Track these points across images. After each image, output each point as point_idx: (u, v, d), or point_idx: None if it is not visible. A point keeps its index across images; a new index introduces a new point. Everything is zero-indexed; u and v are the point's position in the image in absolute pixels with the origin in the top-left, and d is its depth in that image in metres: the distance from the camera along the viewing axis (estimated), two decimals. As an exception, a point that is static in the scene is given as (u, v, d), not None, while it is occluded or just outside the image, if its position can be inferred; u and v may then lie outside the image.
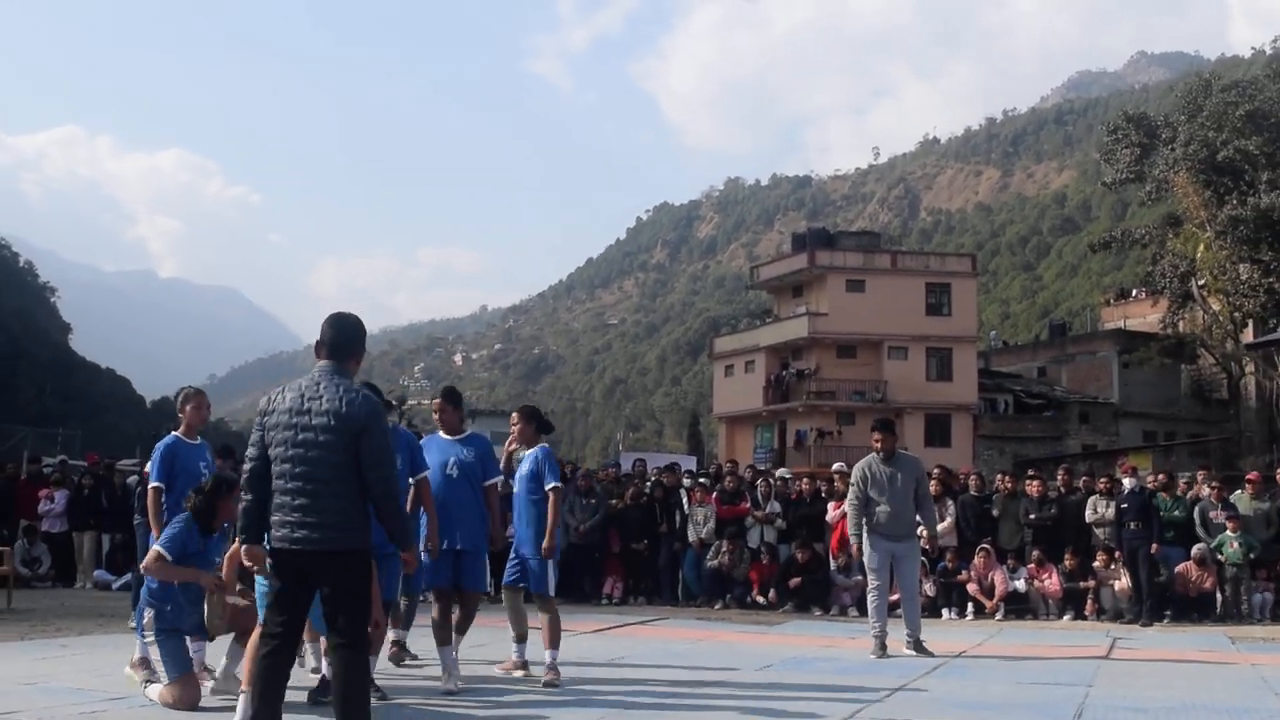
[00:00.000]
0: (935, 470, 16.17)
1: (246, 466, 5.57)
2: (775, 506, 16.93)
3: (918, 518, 11.12)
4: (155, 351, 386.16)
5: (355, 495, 5.38)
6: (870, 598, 11.07)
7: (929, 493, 11.61)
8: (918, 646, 11.00)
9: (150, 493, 8.62)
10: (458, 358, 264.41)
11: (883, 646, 10.81)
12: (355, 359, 5.87)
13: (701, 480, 18.18)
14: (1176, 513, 15.41)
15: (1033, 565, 15.43)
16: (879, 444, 11.11)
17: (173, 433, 8.87)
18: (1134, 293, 74.59)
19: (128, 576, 15.82)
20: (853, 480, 11.17)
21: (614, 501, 17.29)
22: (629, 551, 17.25)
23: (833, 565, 16.05)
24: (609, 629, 13.11)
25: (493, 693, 8.11)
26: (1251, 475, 17.02)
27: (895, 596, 11.46)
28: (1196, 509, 15.48)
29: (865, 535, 10.92)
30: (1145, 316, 66.86)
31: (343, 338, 5.86)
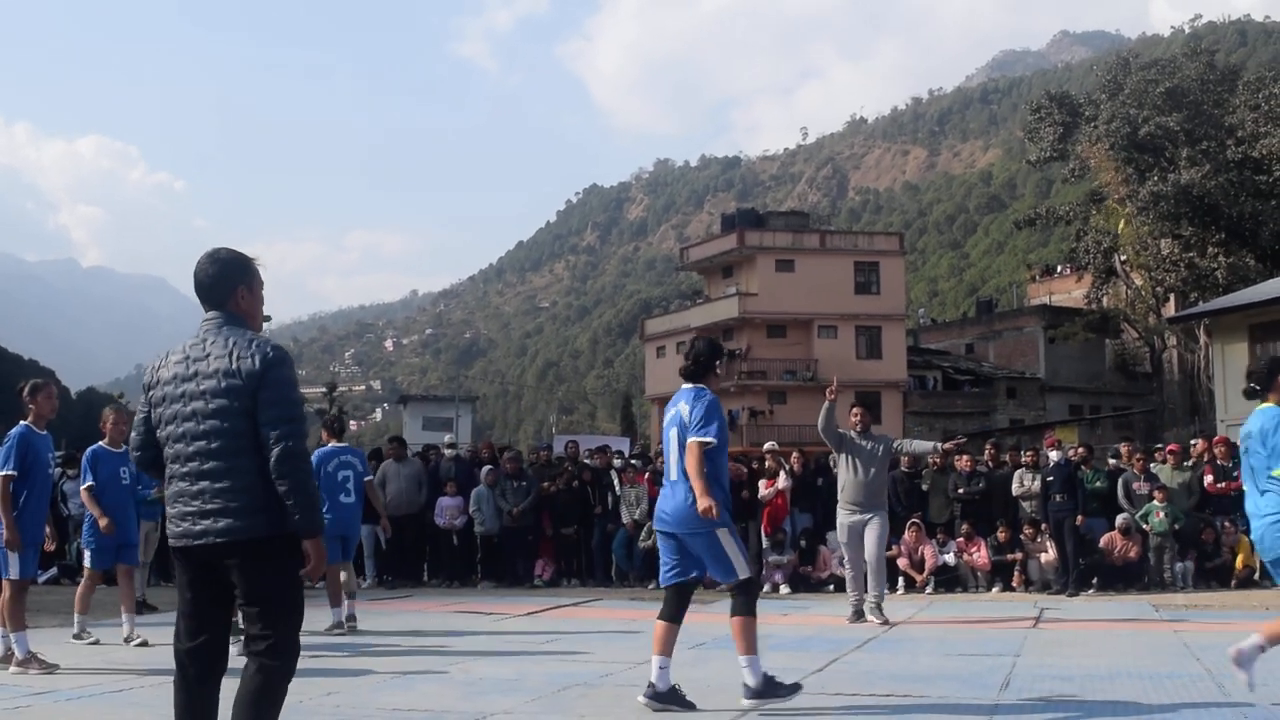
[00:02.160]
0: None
1: (133, 457, 4.79)
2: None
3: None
4: (81, 342, 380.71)
5: (266, 470, 4.37)
6: (847, 570, 11.88)
7: (894, 465, 12.74)
8: (877, 611, 11.42)
9: (0, 480, 8.51)
10: (388, 343, 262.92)
11: (859, 614, 11.35)
12: (240, 295, 4.62)
13: (633, 461, 18.18)
14: (1099, 484, 15.68)
15: (962, 539, 15.60)
16: (859, 419, 11.87)
17: (22, 423, 8.79)
18: (1059, 269, 75.71)
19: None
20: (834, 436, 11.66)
21: (546, 484, 17.25)
22: (561, 534, 17.25)
23: (764, 543, 16.12)
24: (542, 611, 13.10)
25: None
26: (1171, 446, 17.34)
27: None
28: (1120, 480, 15.74)
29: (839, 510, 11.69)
30: (1070, 292, 67.90)
31: (213, 275, 4.61)
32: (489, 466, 17.44)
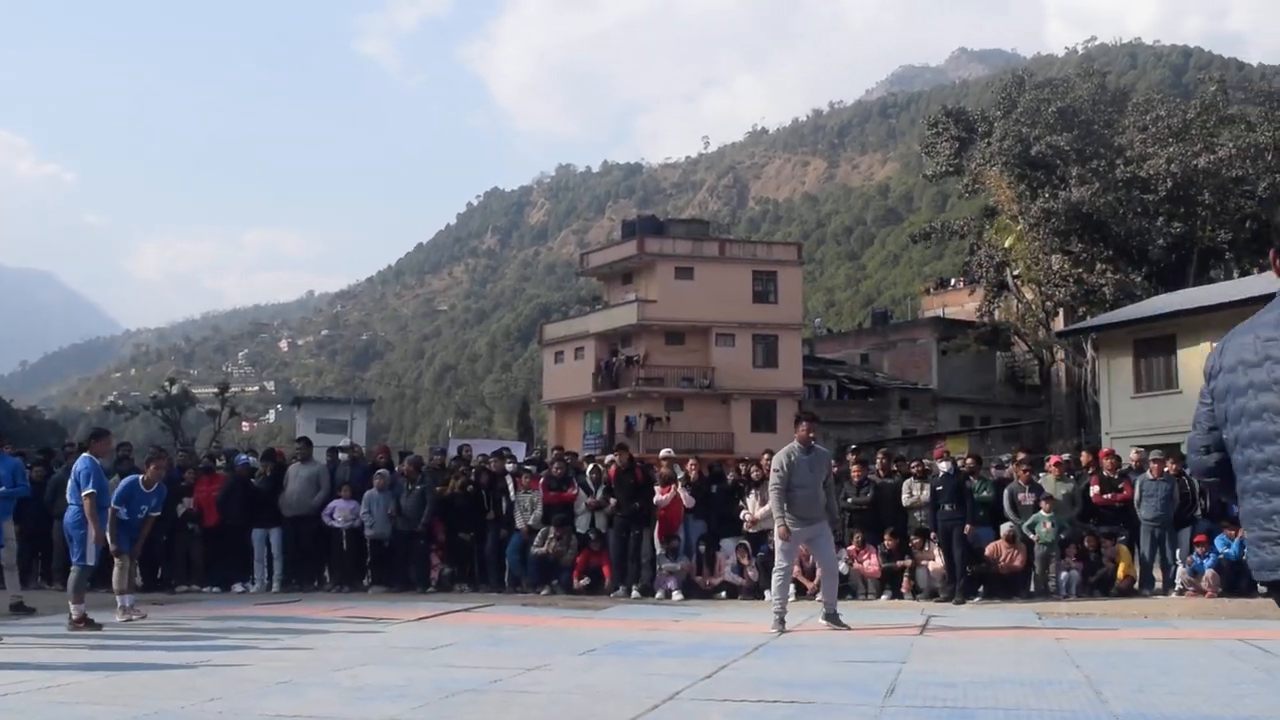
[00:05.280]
0: (763, 456, 16.40)
1: (1193, 462, 3.84)
2: (604, 491, 16.91)
3: None
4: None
5: None
6: (775, 578, 11.83)
7: (833, 483, 12.58)
8: (832, 619, 11.66)
9: None
10: (283, 344, 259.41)
11: (782, 623, 11.37)
12: None
13: (527, 466, 18.11)
14: (986, 494, 15.97)
15: (853, 547, 15.76)
16: (808, 435, 11.85)
17: None
18: (953, 282, 77.03)
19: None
20: (775, 467, 11.83)
21: (440, 488, 17.13)
22: (455, 538, 17.14)
23: (659, 550, 16.16)
24: (432, 616, 13.00)
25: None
26: (1055, 458, 17.70)
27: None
28: (1006, 490, 16.03)
29: (786, 519, 11.60)
30: (963, 305, 69.05)
31: None
32: (381, 470, 17.29)
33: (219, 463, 18.62)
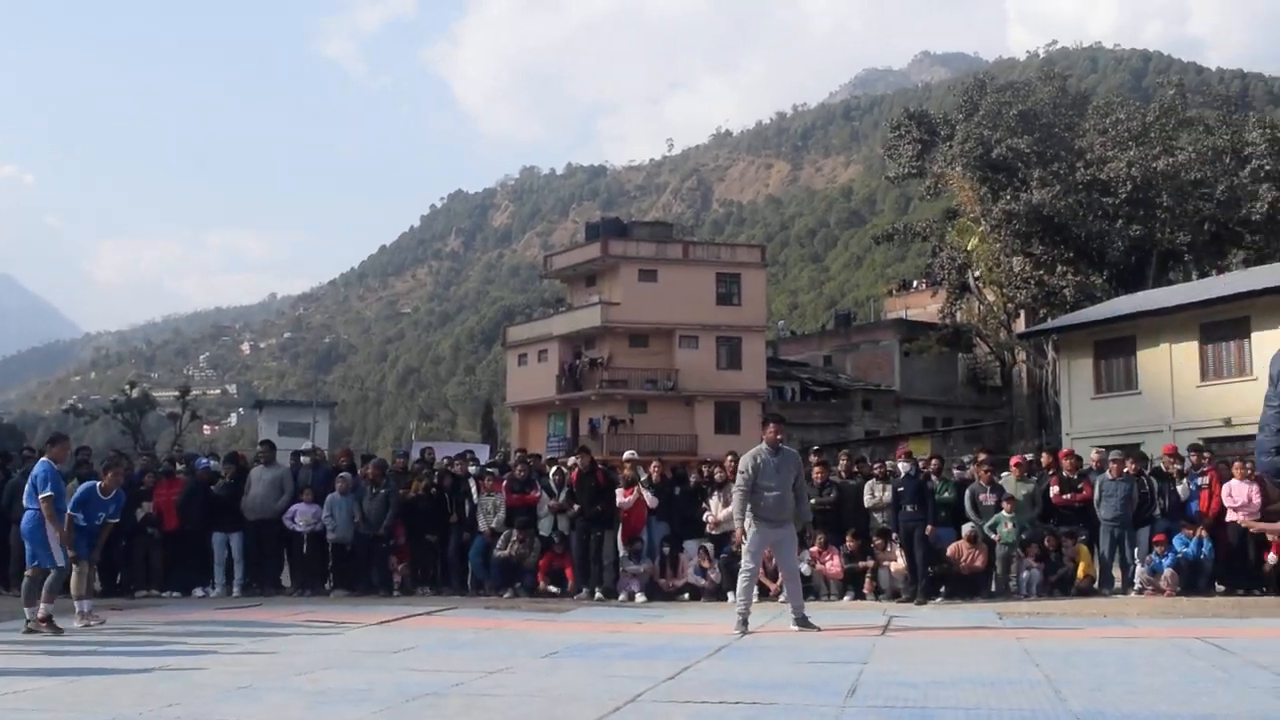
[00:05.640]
0: (726, 458, 16.43)
1: (1262, 462, 3.94)
2: (567, 494, 16.88)
3: None
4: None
5: None
6: (740, 579, 11.85)
7: (804, 486, 12.44)
8: (802, 622, 11.66)
9: None
10: (245, 346, 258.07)
11: (745, 624, 11.40)
12: None
13: (490, 469, 18.06)
14: (948, 495, 16.05)
15: (815, 548, 15.81)
16: (776, 436, 11.88)
17: None
18: (915, 284, 77.42)
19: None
20: (742, 468, 11.84)
21: (403, 491, 17.06)
22: (418, 541, 17.08)
23: (622, 552, 16.15)
24: (394, 620, 12.94)
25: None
26: (1016, 459, 17.82)
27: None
28: (967, 491, 16.12)
29: (750, 521, 11.63)
30: (925, 307, 69.41)
31: None
32: (343, 473, 17.20)
33: (179, 467, 18.48)
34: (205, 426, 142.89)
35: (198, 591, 16.83)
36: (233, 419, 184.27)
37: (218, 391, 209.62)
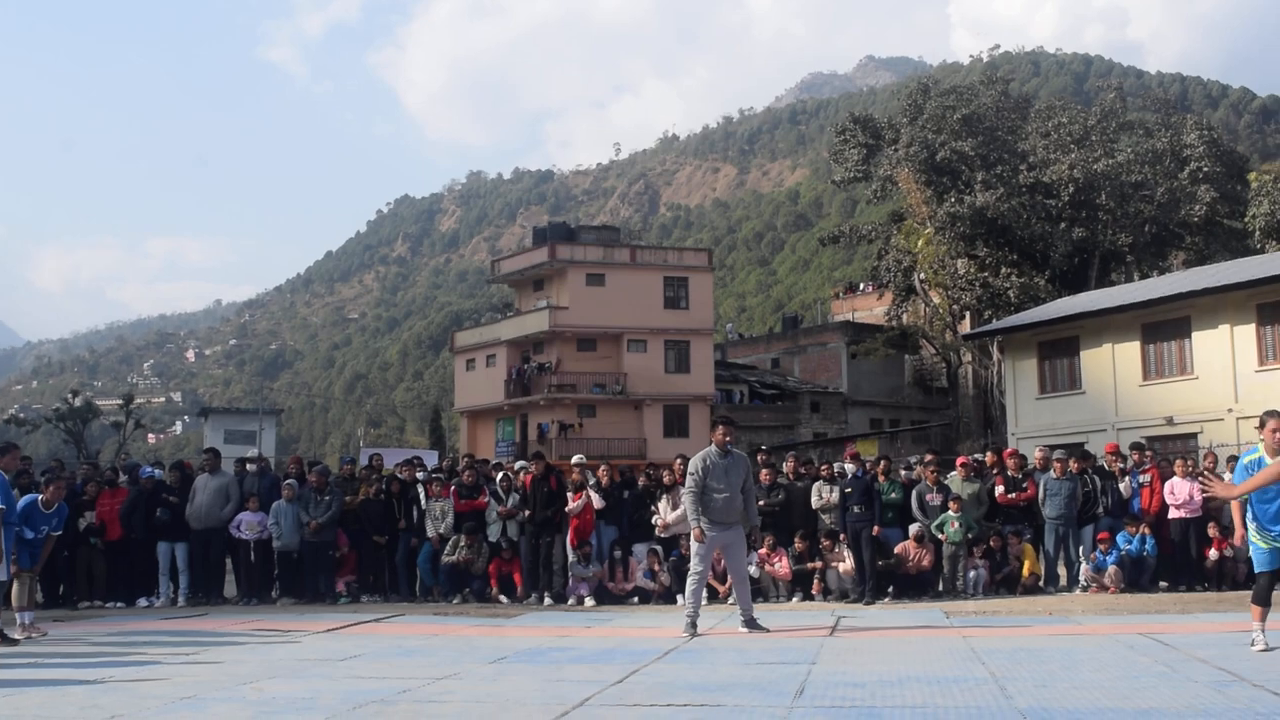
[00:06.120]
0: (675, 461, 16.44)
1: None
2: (516, 499, 16.84)
3: None
4: None
5: None
6: (690, 582, 11.92)
7: (753, 488, 12.47)
8: (751, 624, 11.70)
9: None
10: (190, 354, 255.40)
11: (694, 627, 11.43)
12: None
13: (438, 475, 17.98)
14: (895, 496, 16.14)
15: (764, 550, 15.85)
16: (725, 438, 11.89)
17: None
18: (862, 287, 77.80)
19: None
20: (691, 470, 11.87)
21: (349, 498, 16.95)
22: (365, 548, 16.96)
23: (571, 557, 16.12)
24: (341, 627, 12.86)
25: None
26: (961, 459, 17.96)
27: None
28: (914, 491, 16.22)
29: (700, 522, 11.67)
30: (872, 309, 69.86)
31: None
32: (289, 480, 17.06)
33: (122, 476, 18.25)
34: (150, 435, 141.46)
35: (142, 602, 16.66)
36: (178, 427, 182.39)
37: (162, 399, 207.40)
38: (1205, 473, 11.48)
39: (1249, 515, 9.31)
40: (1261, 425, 9.41)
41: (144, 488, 17.18)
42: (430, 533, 16.67)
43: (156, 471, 18.30)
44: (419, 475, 17.71)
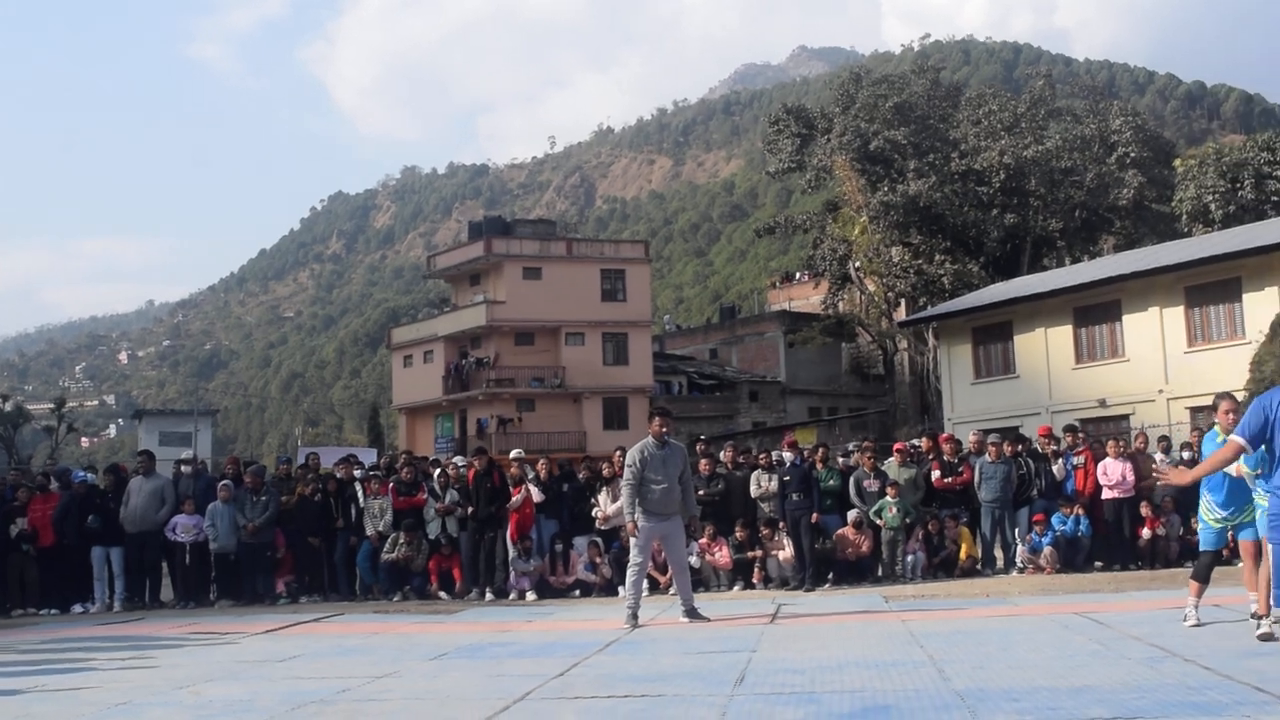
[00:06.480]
0: (615, 453, 16.44)
1: None
2: (454, 495, 16.77)
3: None
4: None
5: None
6: (630, 573, 11.86)
7: (691, 478, 12.47)
8: (692, 614, 11.68)
9: None
10: (123, 356, 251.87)
11: (635, 618, 11.41)
12: None
13: (375, 472, 17.86)
14: (833, 483, 16.24)
15: (704, 540, 15.89)
16: (662, 429, 11.89)
17: None
18: (798, 276, 78.16)
19: None
20: (629, 462, 11.82)
21: (285, 498, 16.78)
22: (303, 548, 16.81)
23: (512, 552, 16.08)
24: (280, 628, 12.74)
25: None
26: (898, 445, 18.11)
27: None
28: (852, 478, 16.33)
29: (640, 514, 11.61)
30: (808, 298, 70.17)
31: None
32: (224, 481, 16.87)
33: (53, 482, 17.95)
34: (83, 439, 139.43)
35: (77, 608, 16.42)
36: (112, 430, 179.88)
37: (95, 403, 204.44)
38: (1158, 464, 11.70)
39: (1201, 493, 9.50)
40: (1215, 407, 9.61)
41: (76, 492, 16.93)
42: (369, 531, 16.56)
43: (89, 476, 18.04)
44: (356, 473, 17.58)
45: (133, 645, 11.54)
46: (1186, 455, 16.01)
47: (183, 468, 18.20)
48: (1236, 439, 6.49)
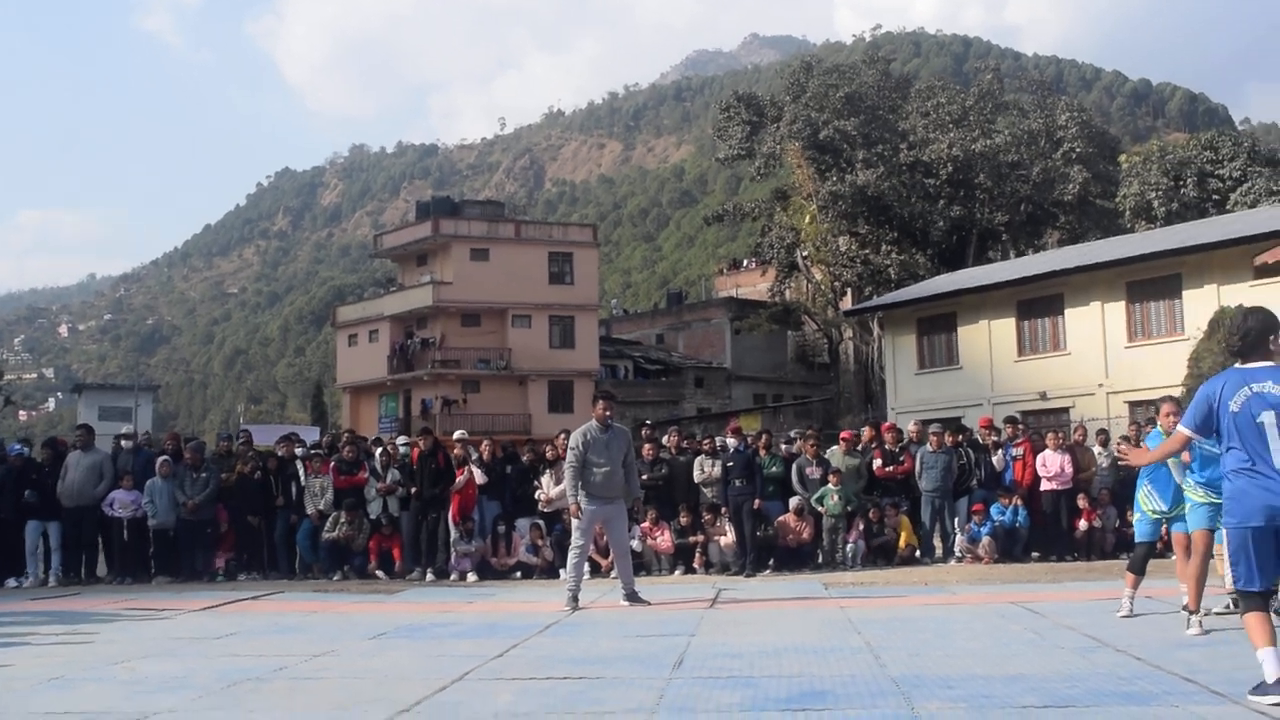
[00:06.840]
0: (558, 436, 16.43)
1: None
2: (395, 475, 16.69)
3: None
4: None
5: None
6: (571, 555, 11.93)
7: (634, 462, 12.54)
8: (633, 598, 11.71)
9: None
10: (63, 329, 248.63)
11: (575, 601, 11.45)
12: None
13: (316, 451, 17.74)
14: (776, 469, 16.31)
15: (646, 524, 15.92)
16: (605, 413, 11.90)
17: None
18: (745, 263, 78.33)
19: None
20: (572, 445, 11.87)
21: (225, 475, 16.64)
22: (242, 525, 16.68)
23: (454, 533, 16.04)
24: (218, 605, 12.64)
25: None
26: (844, 434, 18.22)
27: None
28: (794, 465, 16.41)
29: (582, 497, 11.66)
30: (755, 286, 70.33)
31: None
32: (164, 457, 16.69)
33: (-12, 455, 17.67)
34: (21, 412, 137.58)
35: (11, 583, 16.18)
36: (51, 404, 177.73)
37: (34, 376, 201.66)
38: (1121, 443, 11.94)
39: (1140, 483, 9.62)
40: (1158, 410, 9.78)
41: (12, 466, 16.70)
42: (310, 509, 16.46)
43: (25, 449, 17.79)
44: (298, 451, 17.45)
45: (67, 620, 11.41)
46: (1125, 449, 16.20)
47: (122, 443, 17.99)
48: (1184, 430, 6.56)
